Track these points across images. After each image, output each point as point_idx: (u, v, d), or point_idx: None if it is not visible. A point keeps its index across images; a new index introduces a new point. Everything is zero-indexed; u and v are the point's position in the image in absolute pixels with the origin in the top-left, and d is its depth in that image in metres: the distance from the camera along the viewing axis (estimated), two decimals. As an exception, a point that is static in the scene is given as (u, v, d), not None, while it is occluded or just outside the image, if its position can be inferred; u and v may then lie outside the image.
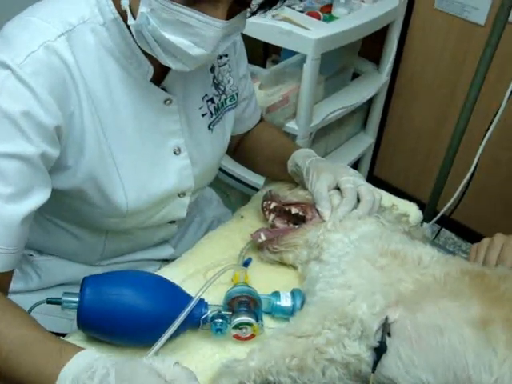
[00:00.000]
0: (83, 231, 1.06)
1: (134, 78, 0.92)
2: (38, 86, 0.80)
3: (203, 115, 1.06)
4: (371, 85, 2.20)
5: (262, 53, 2.20)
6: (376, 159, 2.63)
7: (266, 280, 1.01)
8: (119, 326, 0.84)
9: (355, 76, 2.25)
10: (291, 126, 1.94)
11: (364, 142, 2.44)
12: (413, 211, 1.21)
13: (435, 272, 0.86)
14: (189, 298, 0.87)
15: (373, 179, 2.70)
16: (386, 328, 0.82)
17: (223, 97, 1.10)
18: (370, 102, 2.32)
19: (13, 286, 1.14)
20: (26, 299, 1.12)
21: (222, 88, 1.10)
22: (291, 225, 1.09)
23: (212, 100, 1.08)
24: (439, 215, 1.62)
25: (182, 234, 1.29)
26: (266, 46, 2.13)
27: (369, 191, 1.01)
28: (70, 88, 0.85)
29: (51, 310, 1.03)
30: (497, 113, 1.65)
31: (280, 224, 1.10)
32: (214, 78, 1.08)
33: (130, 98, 0.93)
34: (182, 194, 1.08)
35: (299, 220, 1.06)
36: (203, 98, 1.06)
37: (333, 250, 0.93)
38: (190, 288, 0.93)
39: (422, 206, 2.45)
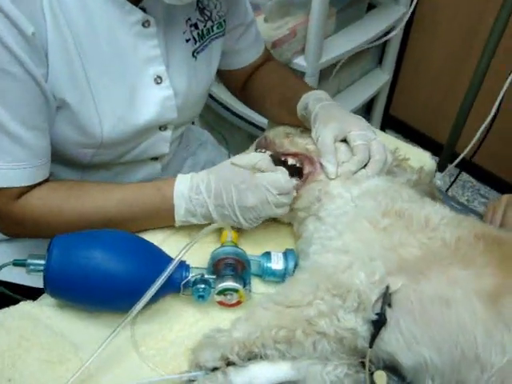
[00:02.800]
0: (57, 167, 0.98)
1: None
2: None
3: (187, 41, 0.97)
4: (388, 17, 2.03)
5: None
6: (392, 97, 2.49)
7: (256, 238, 0.92)
8: (91, 291, 0.76)
9: (370, 8, 2.07)
10: (299, 62, 1.80)
11: (380, 79, 2.29)
12: (426, 160, 1.09)
13: (445, 235, 0.76)
14: (169, 259, 0.78)
15: (389, 118, 2.56)
16: (386, 298, 0.73)
17: (209, 23, 1.00)
18: (386, 36, 2.15)
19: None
20: (2, 249, 1.06)
21: (207, 14, 0.99)
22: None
23: (196, 25, 0.97)
24: (459, 158, 1.48)
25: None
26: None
27: (381, 149, 0.89)
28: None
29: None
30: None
31: None
32: (199, 1, 0.97)
33: (105, 16, 0.84)
34: (163, 128, 1.00)
35: (296, 172, 0.96)
36: (186, 22, 0.96)
37: (332, 206, 0.83)
38: (173, 248, 0.84)
39: (439, 147, 2.33)
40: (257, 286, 0.85)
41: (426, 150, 1.12)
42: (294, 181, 0.93)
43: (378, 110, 2.43)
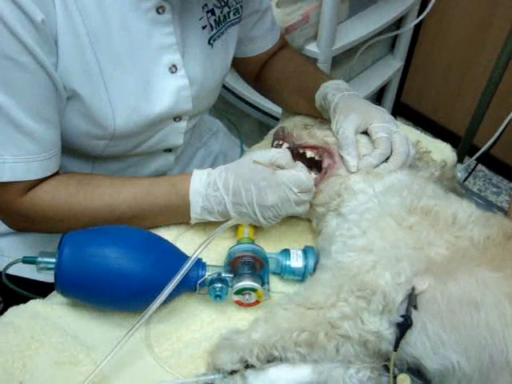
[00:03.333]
0: (68, 158, 0.95)
1: None
2: None
3: (203, 27, 0.92)
4: (402, 2, 1.97)
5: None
6: (404, 85, 2.44)
7: (274, 234, 0.89)
8: (104, 291, 0.73)
9: (384, -8, 2.02)
10: (311, 48, 1.75)
11: (391, 67, 2.24)
12: (447, 153, 1.05)
13: (473, 234, 0.73)
14: (184, 257, 0.76)
15: (400, 106, 2.51)
16: (411, 300, 0.70)
17: (226, 9, 0.95)
18: (399, 22, 2.10)
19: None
20: (14, 242, 1.03)
21: None
22: (306, 170, 0.96)
23: (212, 12, 0.93)
24: (480, 152, 1.43)
25: (183, 169, 1.17)
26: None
27: (404, 142, 0.86)
28: None
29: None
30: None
31: None
32: None
33: (118, 3, 0.79)
34: (177, 118, 0.96)
35: (314, 165, 0.93)
36: (203, 8, 0.91)
37: (354, 202, 0.80)
38: (188, 244, 0.82)
39: (451, 135, 2.29)
40: (275, 284, 0.82)
41: (443, 141, 1.08)
42: (314, 175, 0.90)
43: (390, 98, 2.38)
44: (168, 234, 0.84)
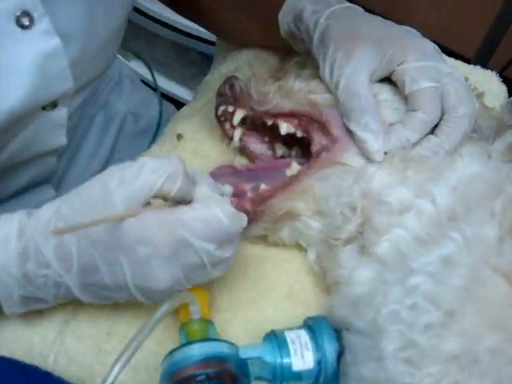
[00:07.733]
0: None
1: None
2: None
3: None
4: None
5: None
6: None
7: (245, 287, 0.48)
8: None
9: None
10: None
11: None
12: (494, 88, 0.67)
13: None
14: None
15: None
16: None
17: None
18: None
19: None
20: None
21: None
22: (279, 150, 0.56)
23: None
24: None
25: (71, 158, 0.76)
26: None
27: (464, 94, 0.46)
28: None
29: None
30: None
31: (256, 147, 0.57)
32: None
33: None
34: (49, 106, 0.53)
35: (296, 145, 0.53)
36: None
37: (401, 234, 0.40)
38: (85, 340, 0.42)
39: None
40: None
41: (487, 69, 0.69)
42: (297, 166, 0.50)
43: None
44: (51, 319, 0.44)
